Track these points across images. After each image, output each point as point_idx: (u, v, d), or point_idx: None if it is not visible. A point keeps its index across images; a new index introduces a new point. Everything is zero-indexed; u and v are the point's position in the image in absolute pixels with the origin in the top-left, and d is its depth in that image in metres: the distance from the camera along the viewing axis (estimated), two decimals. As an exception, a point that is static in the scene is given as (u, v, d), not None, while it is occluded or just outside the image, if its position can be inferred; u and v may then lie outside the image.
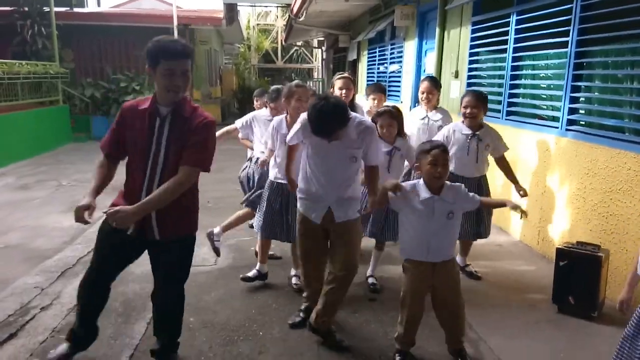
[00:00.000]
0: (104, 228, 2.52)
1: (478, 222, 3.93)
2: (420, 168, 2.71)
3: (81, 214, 2.32)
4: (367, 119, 3.61)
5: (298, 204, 3.07)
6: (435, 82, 4.55)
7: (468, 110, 3.82)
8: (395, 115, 3.62)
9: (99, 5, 18.91)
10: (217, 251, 4.07)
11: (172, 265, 2.54)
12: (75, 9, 13.73)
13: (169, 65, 2.29)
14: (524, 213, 3.15)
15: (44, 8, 11.00)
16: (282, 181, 3.49)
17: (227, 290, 3.73)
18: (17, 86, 9.24)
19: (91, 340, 2.74)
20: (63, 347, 2.70)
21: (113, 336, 2.99)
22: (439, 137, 3.98)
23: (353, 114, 2.89)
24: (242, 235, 4.77)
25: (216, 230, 4.04)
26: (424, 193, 2.65)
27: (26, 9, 10.90)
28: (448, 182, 2.73)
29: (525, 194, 3.92)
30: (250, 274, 3.77)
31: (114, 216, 2.22)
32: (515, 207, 2.80)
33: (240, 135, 4.46)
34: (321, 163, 2.90)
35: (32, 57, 10.39)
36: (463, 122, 3.92)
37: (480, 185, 3.95)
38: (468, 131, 3.87)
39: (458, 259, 4.12)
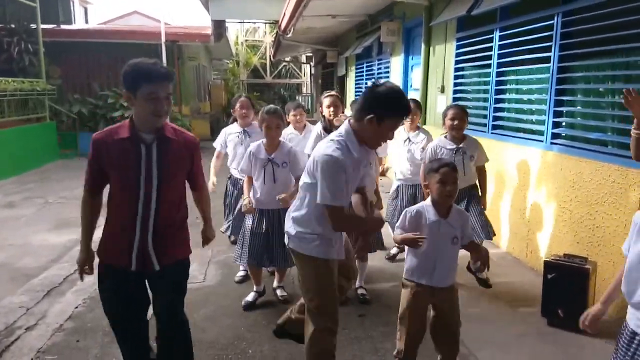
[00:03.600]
0: (102, 285, 2.39)
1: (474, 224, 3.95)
2: (429, 187, 2.64)
3: (82, 271, 2.41)
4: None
5: (314, 250, 2.45)
6: (417, 105, 4.60)
7: (455, 123, 3.91)
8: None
9: (86, 22, 18.93)
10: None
11: (167, 287, 2.40)
12: (63, 26, 13.71)
13: (152, 89, 2.17)
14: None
15: (31, 25, 10.96)
16: (264, 207, 3.51)
17: (216, 307, 3.70)
18: (3, 103, 9.18)
19: None
20: None
21: (99, 356, 2.95)
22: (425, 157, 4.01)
23: None
24: (230, 251, 4.73)
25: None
26: (432, 216, 2.57)
27: (13, 25, 10.85)
28: (456, 206, 2.67)
29: (484, 208, 4.08)
30: (250, 298, 3.69)
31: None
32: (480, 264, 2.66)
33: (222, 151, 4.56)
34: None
35: (18, 74, 10.32)
36: (446, 136, 4.01)
37: (471, 195, 4.00)
38: (452, 145, 3.95)
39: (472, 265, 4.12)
